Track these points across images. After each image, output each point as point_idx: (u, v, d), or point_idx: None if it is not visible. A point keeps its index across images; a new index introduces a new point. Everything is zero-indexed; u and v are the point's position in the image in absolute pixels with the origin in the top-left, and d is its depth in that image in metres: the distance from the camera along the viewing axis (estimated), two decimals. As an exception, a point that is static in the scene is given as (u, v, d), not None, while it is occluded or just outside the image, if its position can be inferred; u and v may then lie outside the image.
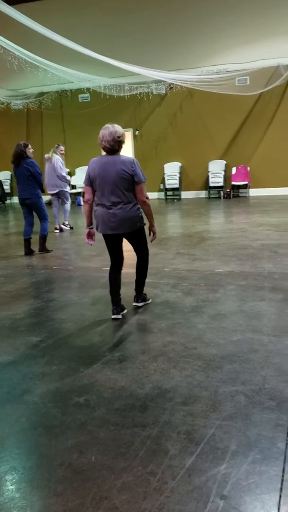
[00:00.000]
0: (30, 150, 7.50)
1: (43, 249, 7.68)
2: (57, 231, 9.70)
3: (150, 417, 2.70)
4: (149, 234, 4.43)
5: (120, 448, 2.44)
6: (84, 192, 4.38)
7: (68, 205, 9.89)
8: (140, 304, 4.64)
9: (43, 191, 7.65)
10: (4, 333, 4.23)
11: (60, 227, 9.76)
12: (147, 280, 4.78)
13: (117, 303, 4.40)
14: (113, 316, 4.36)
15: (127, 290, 4.68)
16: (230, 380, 3.07)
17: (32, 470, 2.34)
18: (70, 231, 9.76)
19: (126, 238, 4.35)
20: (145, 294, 4.74)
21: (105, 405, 2.86)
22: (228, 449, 2.37)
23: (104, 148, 4.13)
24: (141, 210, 4.24)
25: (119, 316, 4.36)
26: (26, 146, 7.48)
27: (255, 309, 4.38)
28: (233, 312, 4.34)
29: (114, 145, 4.06)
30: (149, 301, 4.74)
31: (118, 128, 4.07)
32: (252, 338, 3.72)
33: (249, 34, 13.72)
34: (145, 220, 4.33)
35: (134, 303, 4.65)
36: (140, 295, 4.67)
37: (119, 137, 4.04)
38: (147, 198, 4.18)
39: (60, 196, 9.73)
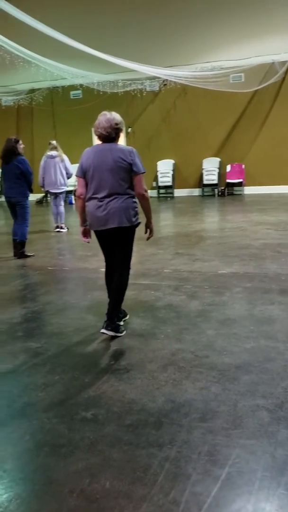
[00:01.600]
0: (21, 146, 7.13)
1: (22, 255, 7.08)
2: (61, 229, 9.35)
3: (166, 435, 2.47)
4: (146, 232, 3.96)
5: (137, 472, 2.21)
6: (76, 187, 4.02)
7: (63, 206, 9.56)
8: (109, 333, 3.80)
9: (31, 191, 7.24)
10: (1, 338, 3.97)
11: (60, 226, 9.46)
12: (146, 282, 4.54)
13: (110, 317, 3.86)
14: (102, 331, 3.83)
15: (127, 293, 4.43)
16: (249, 393, 2.85)
17: (39, 498, 2.10)
18: (76, 229, 9.44)
19: (115, 238, 3.81)
20: (119, 325, 3.91)
21: (115, 421, 2.63)
22: (256, 473, 2.16)
23: (100, 136, 3.77)
24: (137, 205, 3.81)
25: (107, 332, 3.81)
26: (17, 141, 7.09)
27: (266, 314, 4.17)
28: (242, 317, 4.13)
29: (111, 132, 3.71)
30: (122, 334, 3.86)
31: (116, 115, 3.75)
32: (266, 345, 3.51)
33: (244, 30, 13.52)
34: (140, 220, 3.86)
35: (102, 330, 3.83)
36: (113, 321, 3.84)
37: (116, 124, 3.71)
38: (146, 191, 3.77)
39: (60, 195, 9.43)
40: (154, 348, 3.58)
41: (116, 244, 3.86)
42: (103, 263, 4.13)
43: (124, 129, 3.85)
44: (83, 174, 3.80)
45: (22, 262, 6.87)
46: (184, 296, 4.82)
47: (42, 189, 9.71)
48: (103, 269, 4.16)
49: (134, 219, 3.77)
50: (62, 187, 9.37)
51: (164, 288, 5.09)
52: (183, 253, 6.74)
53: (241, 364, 3.23)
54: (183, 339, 3.72)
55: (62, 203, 9.56)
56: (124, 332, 3.88)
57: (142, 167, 3.75)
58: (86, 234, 4.03)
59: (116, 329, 3.84)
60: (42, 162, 9.32)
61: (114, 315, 3.87)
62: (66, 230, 9.45)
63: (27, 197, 7.19)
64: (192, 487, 2.09)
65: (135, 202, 3.79)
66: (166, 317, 4.25)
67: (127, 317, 4.18)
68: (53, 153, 9.25)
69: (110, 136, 3.73)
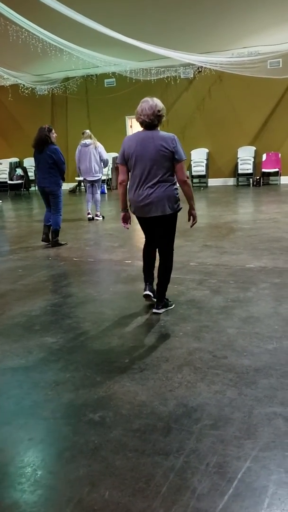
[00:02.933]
0: (54, 135, 7.06)
1: (56, 243, 7.21)
2: (91, 217, 9.44)
3: (174, 443, 2.34)
4: (189, 219, 4.07)
5: (139, 482, 2.09)
6: (118, 173, 4.09)
7: (99, 194, 9.67)
8: (160, 311, 4.12)
9: (64, 180, 7.27)
10: (18, 332, 3.93)
11: (92, 217, 9.49)
12: (171, 276, 4.42)
13: (149, 281, 4.22)
14: (145, 292, 4.22)
15: (141, 287, 4.34)
16: (267, 398, 2.68)
17: (36, 507, 2.01)
18: (104, 220, 9.46)
19: (157, 225, 3.98)
20: (167, 299, 4.24)
21: (122, 425, 2.52)
22: (267, 490, 2.00)
23: (142, 123, 3.77)
24: (179, 191, 3.90)
25: (150, 294, 4.20)
26: (50, 130, 7.02)
27: (292, 312, 3.96)
28: (267, 315, 3.93)
29: (154, 120, 3.73)
30: (172, 307, 4.22)
31: (158, 101, 3.74)
32: (290, 346, 3.31)
33: (281, 14, 12.99)
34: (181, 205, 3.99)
35: (154, 310, 4.13)
36: (162, 300, 4.15)
37: (159, 111, 3.71)
38: (188, 177, 3.88)
39: (96, 183, 9.51)
40: (171, 347, 3.44)
41: (159, 229, 4.02)
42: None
43: (165, 115, 3.82)
44: (124, 161, 3.89)
45: (49, 252, 6.84)
46: (208, 291, 4.65)
47: (81, 178, 9.78)
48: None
49: (176, 206, 3.89)
50: (97, 175, 9.44)
51: (188, 282, 4.93)
52: (211, 246, 6.54)
53: (260, 367, 3.05)
54: (202, 338, 3.56)
55: (99, 191, 9.68)
56: (173, 305, 4.24)
57: (183, 154, 3.79)
58: (126, 220, 4.17)
59: (167, 305, 4.19)
60: (76, 151, 9.44)
61: (163, 295, 4.15)
62: (102, 218, 9.51)
63: (60, 186, 7.19)
64: (196, 503, 1.96)
65: (176, 189, 3.89)
66: (187, 313, 4.10)
67: (172, 306, 4.27)
68: (87, 141, 9.33)
69: (152, 123, 3.75)
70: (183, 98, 14.78)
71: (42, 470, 2.22)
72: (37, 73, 15.40)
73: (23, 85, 15.09)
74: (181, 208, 3.96)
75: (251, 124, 14.19)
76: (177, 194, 3.90)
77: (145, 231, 4.21)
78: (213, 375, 2.97)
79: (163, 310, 4.14)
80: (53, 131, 7.11)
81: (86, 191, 9.98)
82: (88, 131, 9.63)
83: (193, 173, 14.80)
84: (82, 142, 9.39)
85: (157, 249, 4.22)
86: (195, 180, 14.95)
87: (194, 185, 14.94)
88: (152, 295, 4.23)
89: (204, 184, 14.86)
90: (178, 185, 3.90)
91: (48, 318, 4.21)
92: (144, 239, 4.32)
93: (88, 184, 9.66)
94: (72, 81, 15.65)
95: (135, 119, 3.90)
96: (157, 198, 3.80)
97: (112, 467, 2.20)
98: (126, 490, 2.05)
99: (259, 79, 12.96)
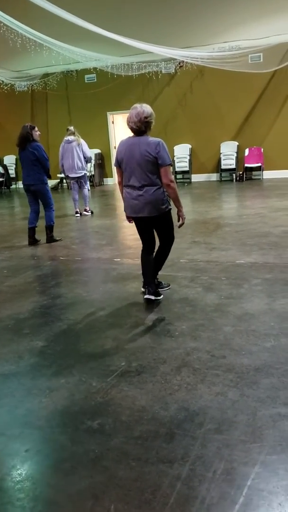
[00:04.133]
0: (36, 133, 6.99)
1: (51, 239, 7.20)
2: (78, 215, 9.44)
3: (178, 450, 2.25)
4: (178, 220, 4.22)
5: (145, 493, 1.99)
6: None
7: (87, 190, 9.62)
8: (152, 298, 4.23)
9: (49, 177, 7.17)
10: (6, 336, 3.79)
11: (80, 212, 9.50)
12: (161, 273, 4.40)
13: (149, 284, 4.27)
14: (146, 296, 4.25)
15: (137, 285, 4.26)
16: (269, 399, 2.60)
17: (37, 523, 1.91)
18: (89, 217, 9.40)
19: (152, 223, 4.19)
20: (161, 282, 4.52)
21: (123, 432, 2.42)
22: (278, 497, 1.92)
23: (131, 129, 3.99)
24: (165, 194, 4.06)
25: (151, 297, 4.23)
26: (32, 128, 6.95)
27: (287, 308, 3.90)
28: (262, 312, 3.87)
29: (141, 126, 3.91)
30: (167, 288, 4.53)
31: (146, 108, 3.91)
32: (288, 344, 3.25)
33: (262, 8, 12.97)
34: (173, 205, 4.13)
35: (146, 296, 4.26)
36: (152, 286, 4.30)
37: (146, 117, 3.87)
38: (171, 181, 3.97)
39: (81, 180, 9.47)
40: (167, 347, 3.34)
41: (153, 227, 4.25)
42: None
43: (153, 119, 3.97)
44: (118, 164, 4.13)
45: (34, 251, 6.69)
46: (200, 288, 4.57)
47: (64, 175, 9.70)
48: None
49: (163, 207, 4.06)
50: (80, 172, 9.40)
51: (180, 280, 4.85)
52: (200, 242, 6.47)
53: (260, 366, 2.98)
54: (198, 337, 3.48)
55: (87, 186, 9.64)
56: (162, 296, 4.36)
57: (167, 159, 3.91)
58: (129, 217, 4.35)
59: (157, 294, 4.31)
60: (60, 148, 9.36)
61: (153, 280, 4.33)
62: (91, 214, 9.54)
63: (45, 183, 7.12)
64: (206, 513, 1.87)
65: (163, 192, 4.03)
66: (182, 312, 4.01)
67: (169, 288, 4.56)
68: (70, 138, 9.30)
69: (140, 129, 3.93)
70: (165, 93, 14.67)
71: (41, 484, 2.10)
72: (16, 69, 15.13)
73: (2, 81, 14.80)
74: (170, 208, 4.11)
75: (233, 119, 14.16)
76: (165, 196, 4.04)
77: (140, 232, 4.34)
78: (213, 376, 2.89)
79: (152, 297, 4.24)
80: (36, 129, 7.04)
81: (70, 189, 9.88)
82: (72, 127, 9.56)
83: (177, 169, 14.72)
84: (65, 138, 9.33)
85: (155, 252, 4.39)
86: (178, 176, 14.87)
87: (177, 181, 14.85)
88: (153, 299, 4.25)
89: (188, 180, 14.79)
90: (162, 187, 4.03)
91: (37, 321, 4.08)
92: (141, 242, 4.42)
93: (72, 181, 9.56)
94: (52, 77, 15.41)
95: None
96: (145, 200, 3.99)
97: (115, 477, 2.10)
98: (132, 502, 1.95)
99: (240, 74, 12.94)
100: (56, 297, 4.66)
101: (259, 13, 13.01)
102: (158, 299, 4.29)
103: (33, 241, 7.14)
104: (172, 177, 3.99)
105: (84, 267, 5.75)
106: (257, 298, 4.21)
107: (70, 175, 9.40)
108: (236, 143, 14.23)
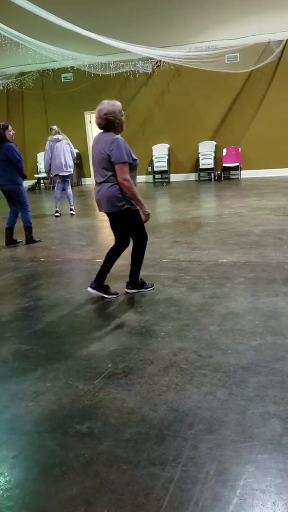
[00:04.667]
0: (10, 133, 6.84)
1: (30, 241, 7.10)
2: (58, 214, 9.43)
3: (169, 451, 2.22)
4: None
5: (138, 497, 1.96)
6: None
7: (70, 189, 9.68)
8: (131, 291, 4.47)
9: (24, 178, 7.02)
10: (-12, 339, 3.71)
11: (60, 212, 9.51)
12: (144, 273, 4.41)
13: (96, 277, 4.44)
14: (88, 288, 4.46)
15: (120, 286, 4.30)
16: (258, 398, 2.61)
17: (28, 532, 1.86)
18: (68, 217, 9.38)
19: (114, 220, 4.24)
20: (144, 282, 4.56)
21: (112, 435, 2.38)
22: (271, 496, 1.92)
23: (98, 126, 4.05)
24: (122, 192, 4.00)
25: (90, 290, 4.44)
26: (5, 128, 6.78)
27: (271, 306, 3.92)
28: (246, 310, 3.88)
29: (101, 123, 3.97)
30: (150, 289, 4.55)
31: (108, 105, 3.93)
32: (274, 342, 3.26)
33: (239, 9, 13.09)
34: (133, 207, 4.10)
35: (126, 290, 4.50)
36: (132, 281, 4.50)
37: (105, 114, 3.90)
38: (125, 179, 3.89)
39: (68, 178, 9.51)
40: (154, 348, 3.32)
41: (116, 226, 4.28)
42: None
43: (117, 117, 3.93)
44: None
45: (13, 253, 6.60)
46: (184, 288, 4.56)
47: (49, 175, 9.65)
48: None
49: (120, 204, 4.01)
50: (70, 170, 9.45)
51: (163, 280, 4.84)
52: (182, 241, 6.47)
53: (247, 365, 2.98)
54: (184, 337, 3.46)
55: (70, 185, 9.67)
56: (153, 288, 4.55)
57: (122, 156, 3.85)
58: None
59: (139, 286, 4.50)
60: (47, 147, 9.37)
61: (134, 275, 4.46)
62: (75, 213, 9.57)
63: (19, 183, 6.95)
64: (201, 515, 1.85)
65: (118, 189, 3.97)
66: (166, 312, 4.00)
67: (152, 288, 4.57)
68: (59, 136, 9.39)
69: (100, 126, 3.99)
70: (142, 93, 14.68)
71: (31, 491, 2.05)
72: (-9, 68, 14.92)
73: (-23, 80, 14.59)
74: (128, 207, 4.04)
75: (211, 118, 14.25)
76: (120, 193, 3.98)
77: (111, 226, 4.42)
78: (200, 376, 2.88)
79: (133, 290, 4.46)
80: (10, 128, 6.89)
81: (54, 188, 9.84)
82: (55, 127, 9.60)
83: (155, 169, 14.74)
84: (53, 137, 9.32)
85: (117, 248, 4.42)
86: (157, 176, 14.89)
87: (156, 180, 14.89)
88: (91, 291, 4.46)
89: (167, 180, 14.82)
90: (119, 185, 3.97)
91: (19, 324, 4.01)
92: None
93: (58, 180, 9.53)
94: (28, 75, 15.26)
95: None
96: (101, 196, 4.05)
97: (107, 482, 2.06)
98: (125, 506, 1.92)
99: (217, 74, 13.03)
100: (38, 299, 4.59)
101: (236, 13, 13.12)
102: (106, 298, 4.41)
103: (9, 241, 7.04)
104: (127, 175, 3.88)
105: (66, 268, 5.68)
106: (241, 297, 4.22)
107: (60, 173, 9.35)
108: (214, 143, 14.33)
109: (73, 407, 2.65)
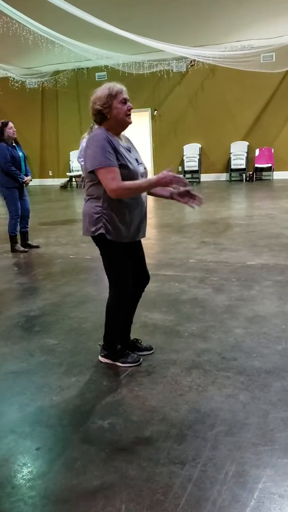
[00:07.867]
0: (10, 130, 6.35)
1: (13, 249, 6.65)
2: None
3: (189, 451, 2.25)
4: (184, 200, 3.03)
5: (156, 494, 1.99)
6: None
7: None
8: (102, 360, 3.17)
9: (18, 181, 6.47)
10: (17, 333, 3.81)
11: None
12: (170, 272, 4.34)
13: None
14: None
15: (149, 286, 4.21)
16: (281, 402, 2.60)
17: (49, 522, 1.91)
18: None
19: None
20: (123, 354, 3.15)
21: (134, 432, 2.42)
22: (291, 501, 1.92)
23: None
24: (100, 209, 2.79)
25: (100, 358, 3.21)
26: (5, 125, 6.30)
27: (298, 311, 3.89)
28: (273, 314, 3.85)
29: (92, 114, 2.87)
30: (121, 365, 3.11)
31: (97, 91, 2.81)
32: (299, 347, 3.24)
33: (275, 7, 12.88)
34: (113, 237, 2.83)
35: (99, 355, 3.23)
36: (104, 341, 3.17)
37: (92, 103, 2.81)
38: (114, 190, 2.66)
39: None
40: (177, 348, 3.34)
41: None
42: None
43: (106, 103, 2.76)
44: None
45: (45, 249, 6.71)
46: (210, 289, 4.56)
47: (72, 173, 9.53)
48: None
49: (93, 229, 2.82)
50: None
51: (189, 280, 4.85)
52: (209, 242, 6.46)
53: (272, 369, 2.97)
54: (209, 338, 3.47)
55: None
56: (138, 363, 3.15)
57: (96, 160, 2.69)
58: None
59: (113, 355, 3.14)
60: (83, 143, 9.27)
61: (105, 340, 3.16)
62: None
63: (6, 187, 6.47)
64: (218, 516, 1.87)
65: (97, 206, 2.80)
66: (191, 312, 4.01)
67: (150, 352, 3.30)
68: (85, 134, 9.29)
69: (96, 122, 2.91)
70: (176, 92, 14.68)
71: (52, 483, 2.11)
72: (27, 66, 15.17)
73: (13, 78, 14.86)
74: (102, 233, 2.80)
75: (244, 118, 14.14)
76: (95, 213, 2.80)
77: None
78: (223, 378, 2.89)
79: (106, 360, 3.16)
80: (10, 125, 6.38)
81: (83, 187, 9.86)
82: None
83: (186, 169, 14.72)
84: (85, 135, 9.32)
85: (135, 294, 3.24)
86: (187, 176, 14.86)
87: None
88: (100, 360, 3.21)
89: (197, 180, 14.78)
90: (103, 201, 2.78)
91: (48, 319, 4.10)
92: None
93: None
94: (63, 74, 15.45)
95: None
96: (82, 215, 2.95)
97: (126, 478, 2.10)
98: (143, 502, 1.96)
99: (252, 73, 12.91)
100: (66, 295, 4.67)
101: (272, 12, 12.92)
102: (107, 362, 3.17)
103: (24, 245, 6.79)
104: (114, 184, 2.64)
105: (94, 266, 5.75)
106: (268, 300, 4.19)
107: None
108: (247, 143, 14.21)
109: (96, 403, 2.70)
